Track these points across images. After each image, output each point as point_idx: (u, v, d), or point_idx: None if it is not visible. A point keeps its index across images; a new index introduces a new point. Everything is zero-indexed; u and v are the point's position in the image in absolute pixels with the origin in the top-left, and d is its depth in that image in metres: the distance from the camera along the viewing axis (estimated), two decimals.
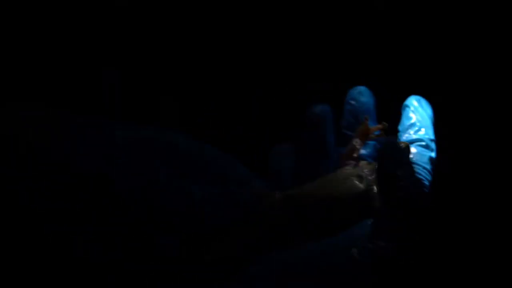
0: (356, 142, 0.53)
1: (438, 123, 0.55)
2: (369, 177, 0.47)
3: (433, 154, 0.53)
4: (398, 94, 0.57)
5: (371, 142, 0.54)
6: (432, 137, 0.54)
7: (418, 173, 0.50)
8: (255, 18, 0.80)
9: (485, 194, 0.70)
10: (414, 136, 0.53)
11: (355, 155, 0.52)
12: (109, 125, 0.51)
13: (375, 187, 0.47)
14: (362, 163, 0.50)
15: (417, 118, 0.54)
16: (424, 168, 0.51)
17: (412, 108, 0.54)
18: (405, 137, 0.53)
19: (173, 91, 0.80)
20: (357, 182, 0.48)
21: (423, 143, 0.52)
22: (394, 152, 0.48)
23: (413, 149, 0.51)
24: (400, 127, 0.54)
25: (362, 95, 0.55)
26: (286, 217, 0.47)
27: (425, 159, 0.52)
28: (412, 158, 0.51)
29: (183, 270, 0.48)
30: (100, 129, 0.50)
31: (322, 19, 0.80)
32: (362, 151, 0.53)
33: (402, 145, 0.48)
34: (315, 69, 0.79)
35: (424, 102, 0.55)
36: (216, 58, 0.81)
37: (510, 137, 0.72)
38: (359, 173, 0.48)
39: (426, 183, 0.50)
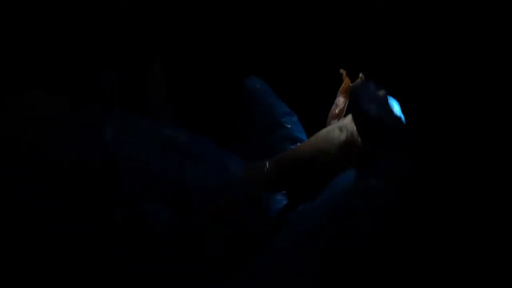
0: (339, 100, 0.54)
1: (439, 124, 0.56)
2: (349, 127, 0.49)
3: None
4: (400, 93, 0.57)
5: None
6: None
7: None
8: (254, 19, 0.80)
9: (485, 194, 0.70)
10: None
11: (338, 112, 0.54)
12: (109, 125, 0.51)
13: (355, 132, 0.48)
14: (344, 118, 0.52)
15: None
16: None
17: None
18: None
19: (173, 92, 0.80)
20: (338, 132, 0.49)
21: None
22: (366, 89, 0.48)
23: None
24: None
25: (260, 81, 0.58)
26: (281, 179, 0.49)
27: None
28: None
29: (183, 270, 0.48)
30: (100, 129, 0.50)
31: (323, 20, 0.80)
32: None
33: (381, 92, 0.49)
34: (315, 69, 0.79)
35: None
36: (216, 58, 0.81)
37: (509, 138, 0.72)
38: (340, 125, 0.50)
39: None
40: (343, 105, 0.55)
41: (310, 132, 0.54)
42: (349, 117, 0.50)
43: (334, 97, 0.57)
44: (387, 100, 0.48)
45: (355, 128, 0.48)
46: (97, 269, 0.47)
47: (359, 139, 0.48)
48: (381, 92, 0.48)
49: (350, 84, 0.55)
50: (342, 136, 0.49)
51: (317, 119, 0.55)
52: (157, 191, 0.48)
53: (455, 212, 0.70)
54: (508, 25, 0.72)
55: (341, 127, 0.50)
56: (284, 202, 0.51)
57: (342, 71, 0.55)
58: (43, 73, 0.71)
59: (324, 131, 0.50)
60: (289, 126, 0.56)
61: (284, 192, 0.52)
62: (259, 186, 0.49)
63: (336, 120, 0.53)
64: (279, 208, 0.50)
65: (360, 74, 0.55)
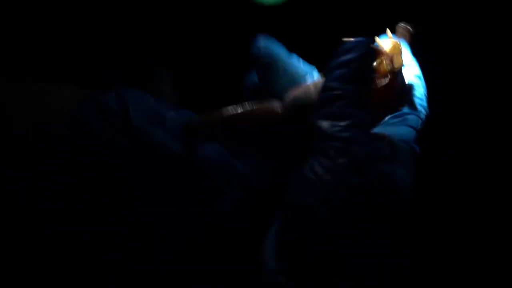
0: None
1: (438, 124, 0.55)
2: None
3: (417, 72, 0.55)
4: None
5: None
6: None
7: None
8: (255, 19, 0.80)
9: (485, 194, 0.70)
10: None
11: None
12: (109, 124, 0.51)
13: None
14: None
15: None
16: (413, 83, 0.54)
17: None
18: None
19: (174, 90, 0.80)
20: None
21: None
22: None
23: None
24: None
25: (270, 40, 0.57)
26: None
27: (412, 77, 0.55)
28: None
29: (183, 270, 0.48)
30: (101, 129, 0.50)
31: (323, 20, 0.80)
32: None
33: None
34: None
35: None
36: (216, 56, 0.81)
37: (509, 138, 0.71)
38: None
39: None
40: None
41: None
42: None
43: None
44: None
45: None
46: (97, 269, 0.47)
47: None
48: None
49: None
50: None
51: None
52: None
53: (455, 212, 0.70)
54: (507, 28, 0.72)
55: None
56: None
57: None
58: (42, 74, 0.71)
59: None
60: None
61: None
62: (262, 113, 0.51)
63: None
64: None
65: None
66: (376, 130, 0.50)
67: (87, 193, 0.47)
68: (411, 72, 0.56)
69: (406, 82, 0.55)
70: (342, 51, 0.48)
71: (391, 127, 0.51)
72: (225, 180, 0.50)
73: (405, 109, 0.53)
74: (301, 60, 0.58)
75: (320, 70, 0.59)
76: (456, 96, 0.74)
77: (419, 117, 0.53)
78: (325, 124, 0.45)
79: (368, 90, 0.48)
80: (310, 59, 0.61)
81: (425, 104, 0.54)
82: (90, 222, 0.47)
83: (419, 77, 0.56)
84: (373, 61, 0.49)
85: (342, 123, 0.44)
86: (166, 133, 0.49)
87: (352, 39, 0.51)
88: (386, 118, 0.52)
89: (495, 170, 0.71)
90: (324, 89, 0.47)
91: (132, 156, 0.47)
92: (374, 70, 0.49)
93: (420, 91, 0.55)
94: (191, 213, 0.49)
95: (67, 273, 0.47)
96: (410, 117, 0.52)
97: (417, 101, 0.54)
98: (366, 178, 0.44)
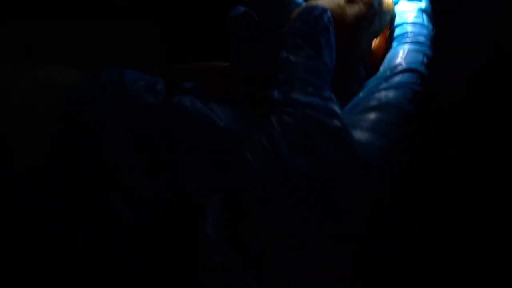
0: None
1: (438, 124, 0.55)
2: None
3: (423, 5, 0.46)
4: None
5: None
6: None
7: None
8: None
9: (486, 194, 0.70)
10: None
11: None
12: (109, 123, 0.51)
13: None
14: None
15: None
16: (416, 22, 0.45)
17: None
18: None
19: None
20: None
21: None
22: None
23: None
24: None
25: None
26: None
27: (416, 12, 0.45)
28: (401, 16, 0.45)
29: (183, 270, 0.48)
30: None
31: None
32: None
33: None
34: None
35: None
36: (219, 54, 0.81)
37: (510, 137, 0.72)
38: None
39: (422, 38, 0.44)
40: None
41: None
42: None
43: None
44: None
45: None
46: (97, 269, 0.47)
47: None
48: None
49: None
50: None
51: None
52: None
53: (455, 213, 0.70)
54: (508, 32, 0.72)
55: None
56: None
57: None
58: None
59: None
60: None
61: None
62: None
63: None
64: None
65: None
66: (360, 97, 0.44)
67: (87, 193, 0.47)
68: (414, 5, 0.46)
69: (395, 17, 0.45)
70: (291, 21, 0.44)
71: (379, 93, 0.42)
72: (200, 132, 0.45)
73: (400, 64, 0.42)
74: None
75: None
76: (456, 95, 0.74)
77: (418, 72, 0.42)
78: (274, 92, 0.41)
79: (320, 53, 0.42)
80: None
81: (428, 51, 0.43)
82: (90, 222, 0.47)
83: (426, 12, 0.46)
84: (323, 25, 0.43)
85: (287, 87, 0.40)
86: (154, 96, 0.47)
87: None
88: (373, 80, 0.44)
89: (496, 170, 0.71)
90: (277, 59, 0.44)
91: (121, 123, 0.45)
92: (326, 29, 0.42)
93: (424, 32, 0.45)
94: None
95: (67, 273, 0.47)
96: (404, 76, 0.42)
97: (416, 47, 0.43)
98: (314, 142, 0.37)
